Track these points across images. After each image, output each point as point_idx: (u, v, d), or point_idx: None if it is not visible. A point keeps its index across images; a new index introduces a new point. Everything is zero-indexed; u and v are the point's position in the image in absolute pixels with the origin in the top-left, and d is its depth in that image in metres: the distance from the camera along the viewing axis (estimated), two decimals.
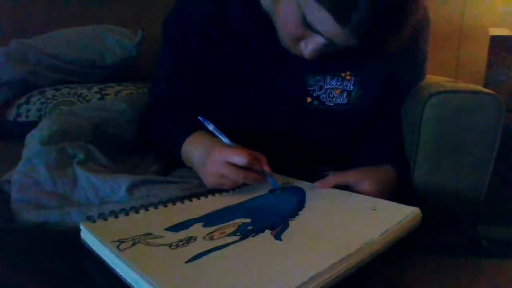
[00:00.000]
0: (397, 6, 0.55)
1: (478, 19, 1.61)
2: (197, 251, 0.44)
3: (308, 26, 0.61)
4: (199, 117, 0.68)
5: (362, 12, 0.53)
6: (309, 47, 0.64)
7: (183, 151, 0.70)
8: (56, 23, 1.26)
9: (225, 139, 0.65)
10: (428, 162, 0.74)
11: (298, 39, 0.64)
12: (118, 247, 0.44)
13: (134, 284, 0.40)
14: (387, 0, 0.54)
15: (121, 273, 0.42)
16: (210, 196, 0.61)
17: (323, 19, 0.57)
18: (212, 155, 0.62)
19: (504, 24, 1.53)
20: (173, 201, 0.58)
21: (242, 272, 0.40)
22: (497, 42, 1.45)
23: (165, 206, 0.56)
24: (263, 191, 0.64)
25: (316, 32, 0.61)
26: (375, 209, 0.57)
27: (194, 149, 0.68)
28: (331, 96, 0.74)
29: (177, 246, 0.45)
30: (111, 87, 1.12)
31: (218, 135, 0.66)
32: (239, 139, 0.66)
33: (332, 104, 0.74)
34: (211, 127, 0.67)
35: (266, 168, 0.63)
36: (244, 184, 0.64)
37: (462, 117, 0.71)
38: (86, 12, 1.38)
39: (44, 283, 0.44)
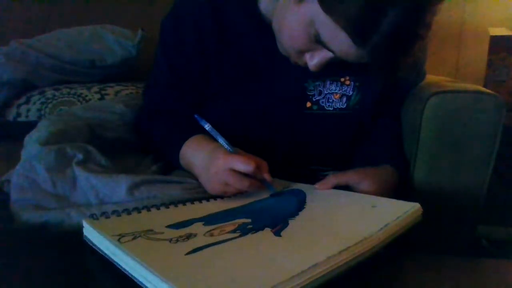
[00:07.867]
0: (415, 29, 0.54)
1: (478, 19, 1.61)
2: (197, 245, 0.44)
3: (320, 43, 0.59)
4: (195, 116, 0.67)
5: (382, 36, 0.52)
6: (314, 60, 0.62)
7: (182, 156, 0.70)
8: (56, 23, 1.27)
9: (221, 139, 0.64)
10: (428, 162, 0.74)
11: (303, 51, 0.63)
12: (119, 240, 0.44)
13: (134, 274, 0.40)
14: (407, 23, 0.52)
15: (121, 264, 0.43)
16: (212, 200, 0.62)
17: (339, 40, 0.55)
18: (216, 162, 0.61)
19: (504, 24, 1.53)
20: (175, 204, 0.58)
21: (242, 263, 0.41)
22: (497, 42, 1.45)
23: (167, 207, 0.57)
24: (264, 195, 0.64)
25: (328, 49, 0.59)
26: (375, 207, 0.58)
27: (194, 154, 0.68)
28: (331, 100, 0.74)
29: (177, 240, 0.46)
30: (111, 87, 1.12)
31: (215, 135, 0.65)
32: (238, 144, 0.66)
33: (332, 108, 0.74)
34: (207, 126, 0.66)
35: (267, 176, 0.63)
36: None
37: (462, 117, 0.71)
38: (86, 12, 1.38)
39: (44, 283, 0.44)
